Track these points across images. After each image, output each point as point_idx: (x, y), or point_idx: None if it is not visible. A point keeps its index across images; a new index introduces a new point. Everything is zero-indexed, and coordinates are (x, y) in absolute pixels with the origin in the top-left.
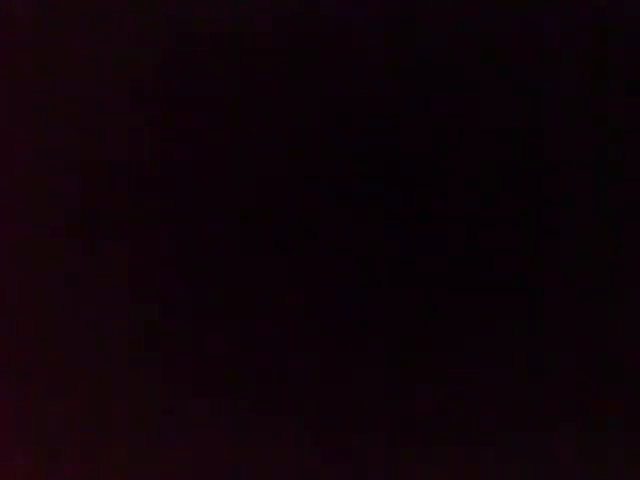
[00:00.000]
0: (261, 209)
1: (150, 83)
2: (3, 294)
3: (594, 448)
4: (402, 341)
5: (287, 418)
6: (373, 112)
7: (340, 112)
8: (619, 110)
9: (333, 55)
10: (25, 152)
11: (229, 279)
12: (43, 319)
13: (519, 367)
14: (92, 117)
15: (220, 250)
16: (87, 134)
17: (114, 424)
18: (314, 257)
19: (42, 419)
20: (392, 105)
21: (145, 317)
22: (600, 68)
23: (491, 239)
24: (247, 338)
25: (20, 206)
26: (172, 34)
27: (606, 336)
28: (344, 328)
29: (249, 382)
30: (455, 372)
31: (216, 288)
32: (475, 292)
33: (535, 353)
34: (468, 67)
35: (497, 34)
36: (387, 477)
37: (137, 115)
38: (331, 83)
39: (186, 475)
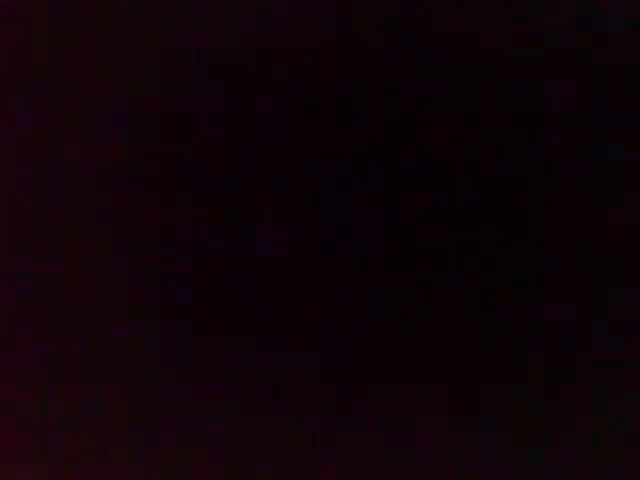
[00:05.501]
0: (259, 208)
1: (150, 82)
2: (3, 293)
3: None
4: (401, 341)
5: (286, 418)
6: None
7: (338, 117)
8: (619, 113)
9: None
10: (26, 152)
11: (230, 279)
12: (42, 318)
13: (519, 368)
14: (93, 117)
15: (222, 251)
16: (88, 134)
17: (114, 425)
18: (313, 258)
19: (41, 419)
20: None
21: (145, 317)
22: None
23: (489, 242)
24: (248, 338)
25: (20, 206)
26: (171, 33)
27: (605, 339)
28: (343, 328)
29: (248, 383)
30: (455, 372)
31: (216, 289)
32: (475, 294)
33: (534, 354)
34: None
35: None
36: (386, 477)
37: (138, 115)
38: (329, 87)
39: (186, 475)
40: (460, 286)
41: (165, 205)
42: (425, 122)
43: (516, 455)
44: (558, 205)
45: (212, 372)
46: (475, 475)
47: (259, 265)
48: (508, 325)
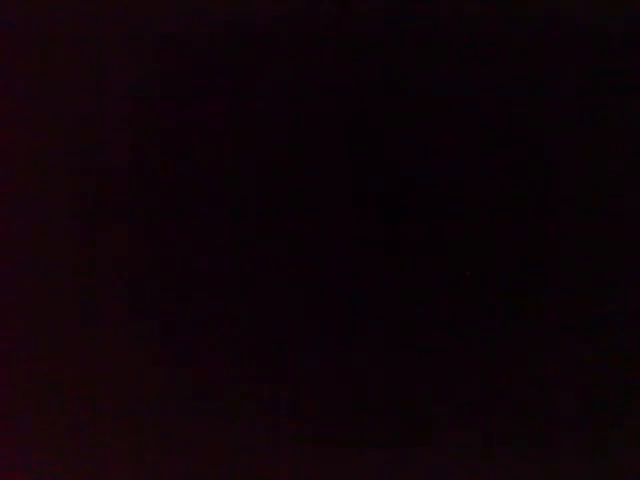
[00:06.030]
0: (258, 205)
1: (150, 80)
2: (3, 292)
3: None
4: (400, 341)
5: (286, 418)
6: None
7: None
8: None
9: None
10: (26, 149)
11: (230, 277)
12: (42, 315)
13: (519, 369)
14: (92, 112)
15: (222, 249)
16: (87, 130)
17: (112, 423)
18: (313, 256)
19: (40, 419)
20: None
21: (144, 316)
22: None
23: (489, 241)
24: (247, 336)
25: (20, 201)
26: (172, 29)
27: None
28: (343, 327)
29: (249, 381)
30: (454, 372)
31: (217, 287)
32: (475, 294)
33: (535, 354)
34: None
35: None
36: (386, 477)
37: (137, 112)
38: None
39: (185, 474)
40: (460, 286)
41: (165, 205)
42: (424, 122)
43: (516, 455)
44: (558, 204)
45: (212, 372)
46: (475, 475)
47: (259, 265)
48: (508, 325)
